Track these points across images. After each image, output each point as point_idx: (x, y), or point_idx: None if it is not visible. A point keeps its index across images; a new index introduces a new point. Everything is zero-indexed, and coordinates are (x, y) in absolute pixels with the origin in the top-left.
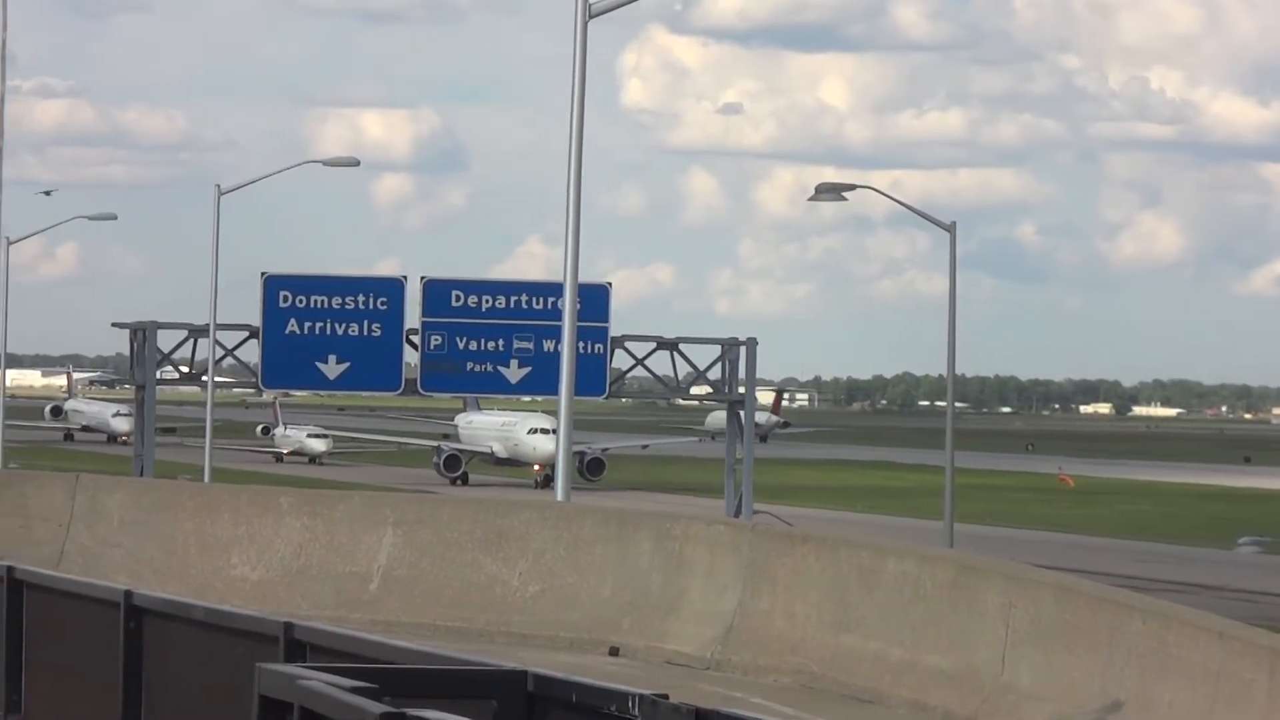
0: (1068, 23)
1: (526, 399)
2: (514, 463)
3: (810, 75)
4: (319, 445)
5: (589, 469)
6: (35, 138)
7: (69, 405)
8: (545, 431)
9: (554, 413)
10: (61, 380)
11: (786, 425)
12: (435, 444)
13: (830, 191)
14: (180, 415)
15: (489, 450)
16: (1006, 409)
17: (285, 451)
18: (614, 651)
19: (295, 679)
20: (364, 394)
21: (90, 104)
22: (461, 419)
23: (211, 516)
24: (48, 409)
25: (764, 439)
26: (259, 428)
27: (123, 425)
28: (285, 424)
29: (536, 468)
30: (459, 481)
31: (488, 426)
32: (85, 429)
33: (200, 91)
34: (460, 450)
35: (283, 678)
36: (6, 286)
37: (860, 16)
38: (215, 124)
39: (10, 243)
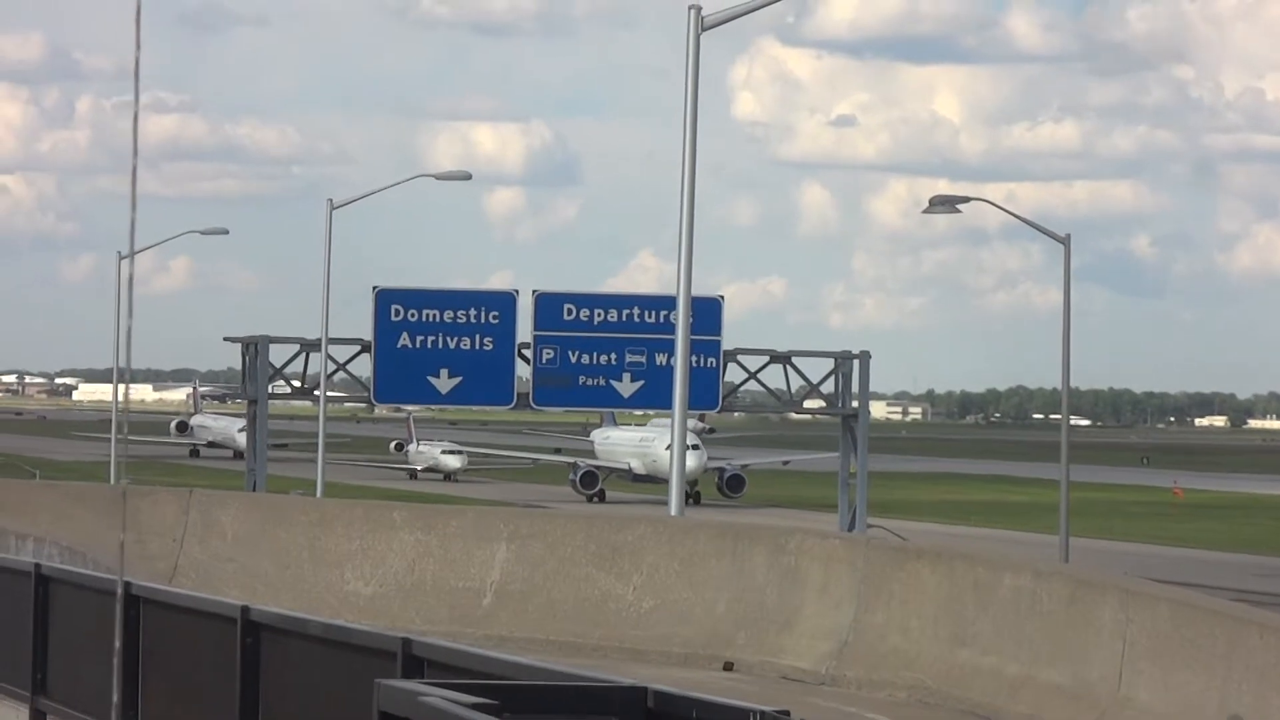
0: (1182, 33)
1: (639, 413)
2: (652, 479)
3: (923, 87)
4: (454, 462)
5: (729, 485)
6: (148, 152)
7: (195, 421)
8: (687, 447)
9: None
10: (174, 395)
11: (712, 431)
12: (572, 460)
13: (944, 204)
14: (292, 430)
15: (626, 467)
16: (1084, 421)
17: (419, 468)
18: (728, 667)
19: (416, 695)
20: (475, 408)
21: (203, 118)
22: (597, 434)
23: (325, 531)
24: (173, 424)
25: None
26: (392, 444)
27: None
28: (419, 440)
29: None
30: (596, 499)
31: (625, 442)
32: (211, 445)
33: (313, 105)
34: (597, 467)
35: (403, 694)
36: (130, 301)
37: (973, 28)
38: (328, 138)
39: (123, 257)
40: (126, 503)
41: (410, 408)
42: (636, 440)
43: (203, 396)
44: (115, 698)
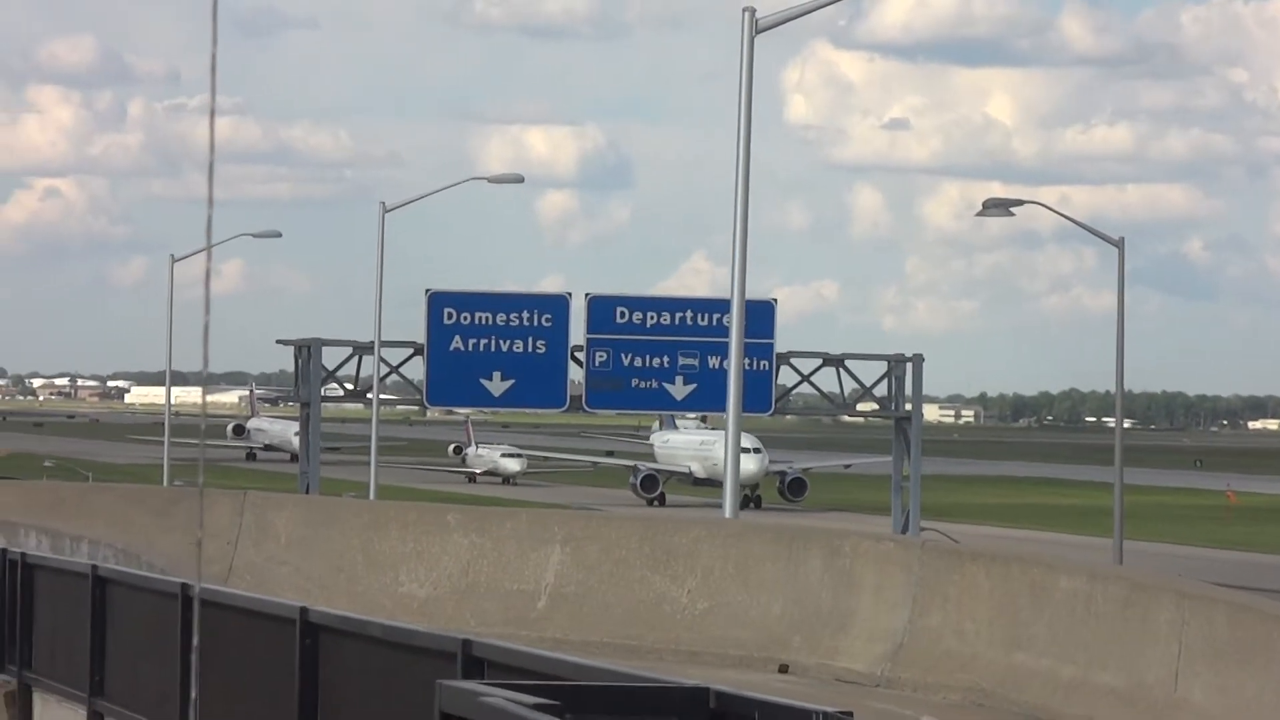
0: (1237, 37)
1: (693, 415)
2: (712, 483)
3: (976, 90)
4: (514, 465)
5: (790, 489)
6: (201, 155)
7: (251, 424)
8: (747, 450)
9: (748, 430)
10: (226, 398)
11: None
12: (632, 463)
13: (998, 207)
14: (345, 433)
15: (687, 470)
16: (1128, 423)
17: (478, 472)
18: (783, 669)
19: (477, 695)
20: (528, 411)
21: (256, 121)
22: (657, 438)
23: (378, 533)
24: (229, 427)
25: None
26: (450, 447)
27: None
28: (478, 443)
29: None
30: (656, 503)
31: (685, 445)
32: (267, 448)
33: (365, 108)
34: (657, 470)
35: (464, 694)
36: (206, 298)
37: (1027, 31)
38: (380, 141)
39: (175, 260)
40: (180, 506)
41: (464, 411)
42: (697, 443)
43: (257, 399)
44: (194, 693)
